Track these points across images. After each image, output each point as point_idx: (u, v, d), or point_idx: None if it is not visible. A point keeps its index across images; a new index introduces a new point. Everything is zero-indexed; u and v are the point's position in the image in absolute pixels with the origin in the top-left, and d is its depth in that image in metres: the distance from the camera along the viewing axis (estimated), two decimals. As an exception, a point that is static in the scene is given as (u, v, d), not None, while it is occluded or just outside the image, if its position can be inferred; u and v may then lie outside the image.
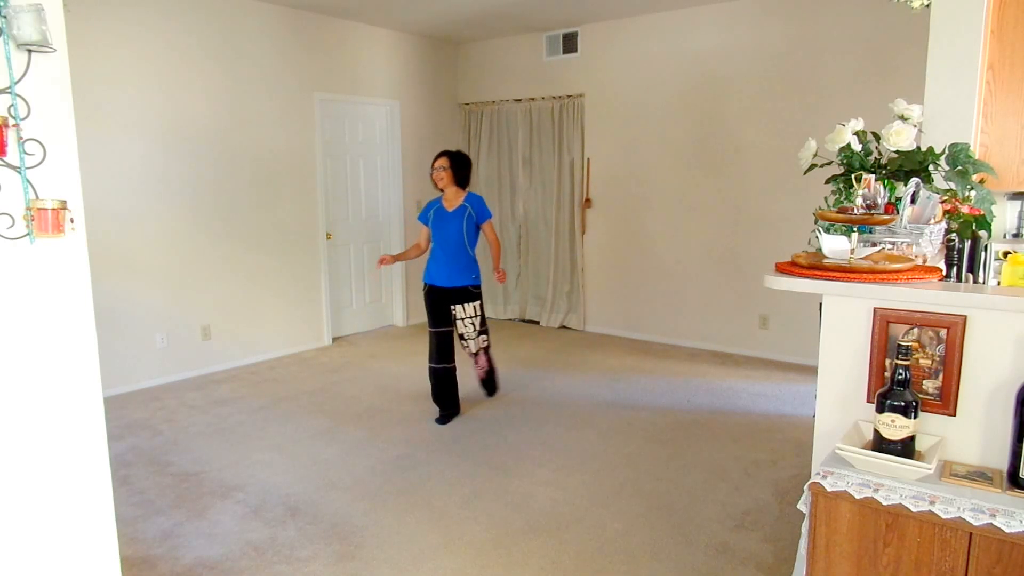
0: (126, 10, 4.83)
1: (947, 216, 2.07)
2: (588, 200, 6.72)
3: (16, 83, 1.76)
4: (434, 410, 4.52)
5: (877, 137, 2.13)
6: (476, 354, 4.57)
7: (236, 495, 3.42)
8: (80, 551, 2.03)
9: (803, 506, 1.76)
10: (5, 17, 1.70)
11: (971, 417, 1.74)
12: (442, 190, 4.43)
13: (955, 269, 2.06)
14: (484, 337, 4.53)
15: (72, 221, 1.89)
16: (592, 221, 6.76)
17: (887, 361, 1.81)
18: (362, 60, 6.46)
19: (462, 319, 4.42)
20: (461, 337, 4.47)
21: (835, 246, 1.97)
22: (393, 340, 6.55)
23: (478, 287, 4.45)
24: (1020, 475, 1.59)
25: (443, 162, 4.37)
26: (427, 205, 4.52)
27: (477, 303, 4.43)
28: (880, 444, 1.69)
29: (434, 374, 4.45)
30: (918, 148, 2.07)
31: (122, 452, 3.93)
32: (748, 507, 3.29)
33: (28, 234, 1.82)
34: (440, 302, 4.40)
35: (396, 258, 4.50)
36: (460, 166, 4.40)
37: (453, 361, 4.46)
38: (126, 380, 5.03)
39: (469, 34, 6.97)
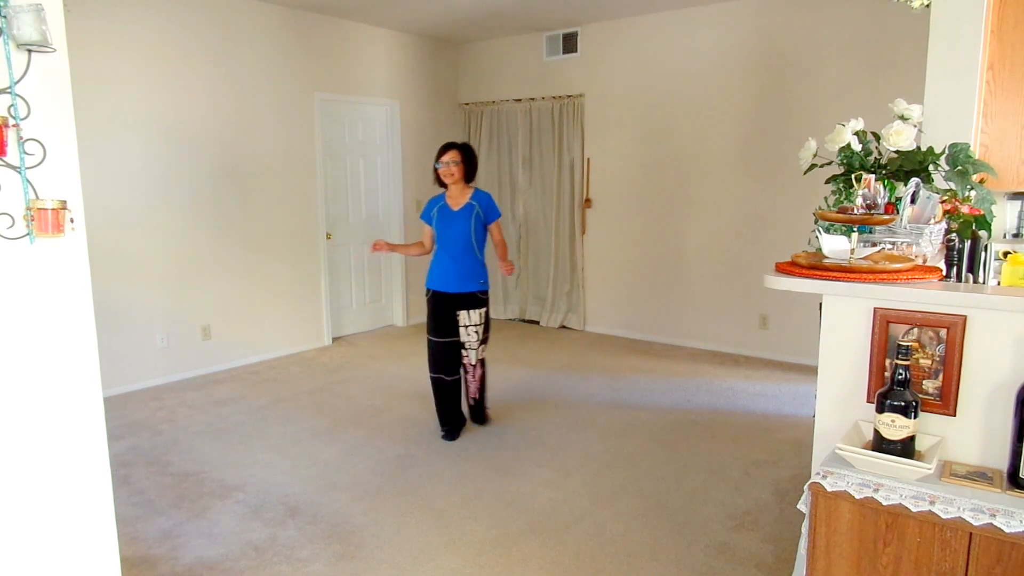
0: (126, 10, 4.83)
1: (947, 216, 2.07)
2: (588, 200, 6.71)
3: (16, 83, 1.76)
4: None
5: (877, 137, 2.13)
6: (475, 365, 4.16)
7: (236, 495, 3.42)
8: (80, 551, 2.03)
9: (803, 506, 1.76)
10: (5, 17, 1.70)
11: (971, 417, 1.74)
12: (445, 187, 4.07)
13: (955, 269, 2.06)
14: (484, 347, 4.18)
15: (72, 221, 1.89)
16: (592, 221, 6.76)
17: (887, 361, 1.81)
18: (362, 60, 6.46)
19: (466, 326, 4.06)
20: (462, 346, 4.11)
21: (835, 246, 1.97)
22: (393, 340, 6.55)
23: (486, 293, 4.11)
24: (1020, 475, 1.59)
25: (454, 156, 3.99)
26: (429, 202, 4.15)
27: (484, 310, 4.09)
28: (880, 444, 1.69)
29: (438, 387, 4.13)
30: (918, 148, 2.07)
31: (122, 452, 3.93)
32: (748, 507, 3.29)
33: (28, 234, 1.82)
34: (445, 309, 4.05)
35: (393, 248, 4.20)
36: (470, 160, 4.05)
37: (459, 372, 4.15)
38: (126, 380, 5.03)
39: (469, 34, 6.97)
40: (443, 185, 4.08)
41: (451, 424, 4.16)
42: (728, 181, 5.86)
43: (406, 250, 4.33)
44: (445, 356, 4.10)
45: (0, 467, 1.84)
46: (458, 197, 4.05)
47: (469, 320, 4.06)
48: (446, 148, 4.03)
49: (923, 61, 2.73)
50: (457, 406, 4.20)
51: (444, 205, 4.08)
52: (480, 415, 4.34)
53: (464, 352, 4.13)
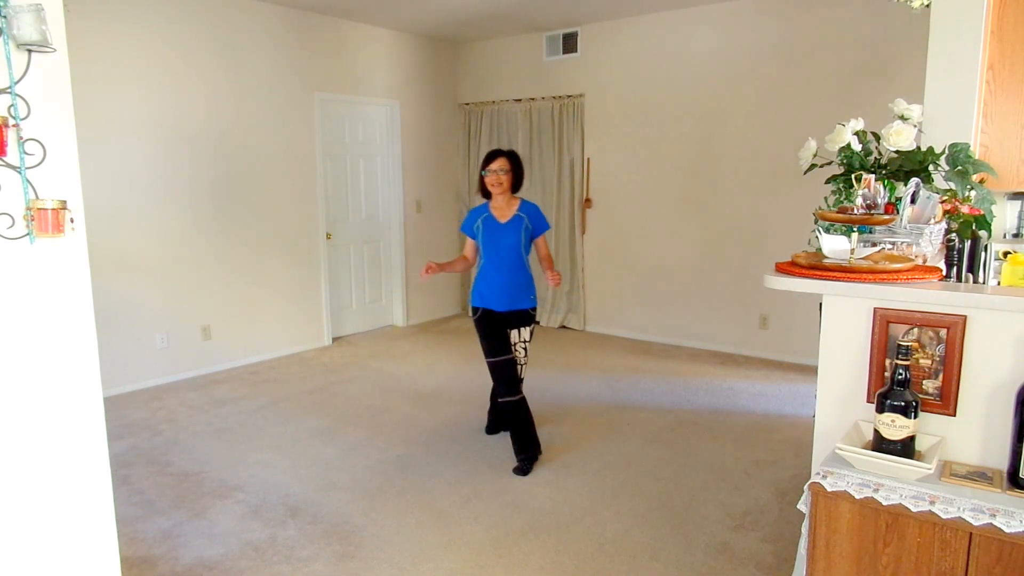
0: (126, 10, 4.82)
1: (947, 216, 2.07)
2: (588, 200, 6.71)
3: (16, 83, 1.76)
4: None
5: (877, 137, 2.13)
6: (522, 380, 3.87)
7: (236, 495, 3.42)
8: (80, 551, 2.03)
9: (803, 506, 1.76)
10: (5, 17, 1.70)
11: (971, 417, 1.74)
12: (489, 196, 3.79)
13: (955, 269, 2.06)
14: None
15: (72, 221, 1.89)
16: (592, 221, 6.76)
17: (887, 361, 1.81)
18: (362, 60, 6.46)
19: (514, 344, 3.80)
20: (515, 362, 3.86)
21: (835, 246, 1.97)
22: (393, 340, 6.55)
23: (535, 308, 3.91)
24: (1020, 475, 1.59)
25: (503, 163, 3.69)
26: (471, 213, 3.88)
27: (533, 326, 3.89)
28: (880, 444, 1.69)
29: (507, 409, 3.74)
30: (918, 148, 2.07)
31: (122, 452, 3.93)
32: (748, 507, 3.29)
33: (28, 234, 1.82)
34: (497, 328, 3.76)
35: (442, 267, 3.79)
36: (519, 168, 3.77)
37: (522, 391, 3.80)
38: (126, 380, 5.03)
39: (469, 34, 6.97)
40: (486, 195, 3.81)
41: (527, 451, 3.73)
42: (728, 181, 5.86)
43: (452, 267, 3.94)
44: (508, 374, 3.75)
45: (0, 467, 1.84)
46: (504, 208, 3.77)
47: (519, 337, 3.82)
48: (494, 155, 3.73)
49: (923, 61, 2.73)
50: (532, 430, 3.78)
51: (489, 216, 3.78)
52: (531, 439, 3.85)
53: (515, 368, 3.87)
